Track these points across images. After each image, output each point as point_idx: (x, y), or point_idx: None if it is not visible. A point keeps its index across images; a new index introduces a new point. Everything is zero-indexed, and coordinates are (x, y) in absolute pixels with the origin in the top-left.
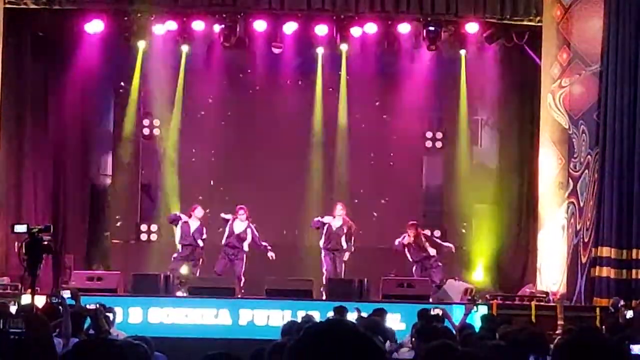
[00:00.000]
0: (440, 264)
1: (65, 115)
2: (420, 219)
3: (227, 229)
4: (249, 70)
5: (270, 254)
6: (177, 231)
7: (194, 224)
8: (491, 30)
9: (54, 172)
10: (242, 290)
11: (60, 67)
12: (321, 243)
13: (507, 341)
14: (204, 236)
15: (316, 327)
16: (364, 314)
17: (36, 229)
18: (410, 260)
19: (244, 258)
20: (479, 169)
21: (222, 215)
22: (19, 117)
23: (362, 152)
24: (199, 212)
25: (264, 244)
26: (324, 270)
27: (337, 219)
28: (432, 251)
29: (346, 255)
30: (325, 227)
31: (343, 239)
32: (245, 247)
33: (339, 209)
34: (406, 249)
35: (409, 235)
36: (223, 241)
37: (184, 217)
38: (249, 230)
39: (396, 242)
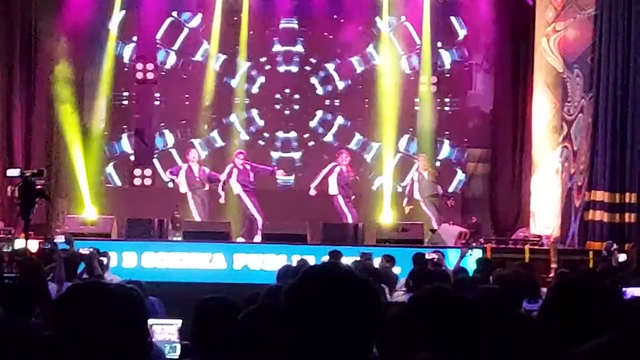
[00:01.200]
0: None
1: (57, 60)
2: (414, 163)
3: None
4: (242, 14)
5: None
6: (182, 179)
7: (195, 167)
8: None
9: (47, 117)
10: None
11: (50, 11)
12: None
13: (500, 285)
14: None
15: (312, 270)
16: (376, 260)
17: (29, 173)
18: (420, 197)
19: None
20: (473, 113)
21: (220, 176)
22: (9, 66)
23: (356, 96)
24: (193, 154)
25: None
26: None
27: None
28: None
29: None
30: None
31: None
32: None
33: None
34: (416, 184)
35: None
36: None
37: (184, 166)
38: (248, 168)
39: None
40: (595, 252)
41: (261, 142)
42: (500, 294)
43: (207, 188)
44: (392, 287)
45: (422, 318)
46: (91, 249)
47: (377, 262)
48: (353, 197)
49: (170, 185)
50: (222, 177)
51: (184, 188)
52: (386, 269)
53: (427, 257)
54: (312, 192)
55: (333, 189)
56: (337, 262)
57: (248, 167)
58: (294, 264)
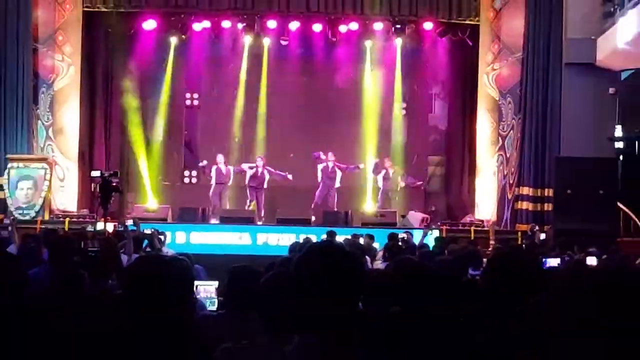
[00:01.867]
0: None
1: (127, 90)
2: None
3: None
4: (263, 58)
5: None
6: (214, 174)
7: (223, 167)
8: (442, 27)
9: (120, 132)
10: (263, 218)
11: (124, 54)
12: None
13: (452, 256)
14: (231, 175)
15: (314, 245)
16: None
17: (107, 174)
18: (382, 188)
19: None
20: (433, 129)
21: (244, 166)
22: (92, 92)
23: (349, 120)
24: (220, 157)
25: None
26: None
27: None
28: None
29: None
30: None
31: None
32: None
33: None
34: (382, 180)
35: (383, 167)
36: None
37: (213, 167)
38: (265, 172)
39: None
40: (522, 233)
41: (279, 149)
42: (452, 263)
43: (230, 183)
44: (373, 258)
45: (395, 281)
46: (152, 230)
47: (362, 240)
48: (337, 186)
49: (212, 181)
50: (245, 167)
51: (214, 182)
52: (369, 244)
53: (399, 236)
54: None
55: (319, 178)
56: (332, 240)
57: (266, 171)
58: (301, 240)
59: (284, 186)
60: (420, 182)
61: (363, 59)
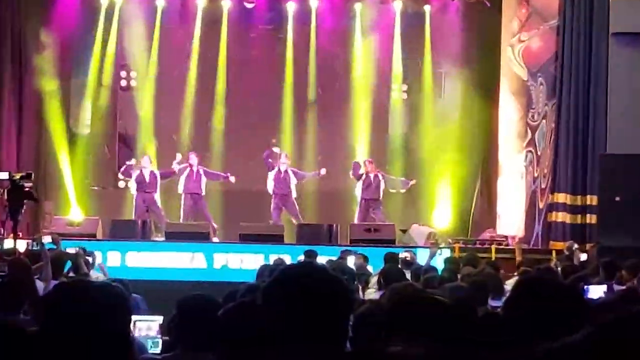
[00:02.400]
0: (382, 208)
1: (45, 66)
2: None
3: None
4: (222, 26)
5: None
6: (133, 181)
7: (147, 172)
8: None
9: (35, 122)
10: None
11: (38, 20)
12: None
13: (467, 283)
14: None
15: (289, 269)
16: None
17: (18, 176)
18: (359, 197)
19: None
20: (442, 119)
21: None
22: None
23: (330, 102)
24: (146, 160)
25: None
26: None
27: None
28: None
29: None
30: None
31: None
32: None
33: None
34: (361, 183)
35: (366, 167)
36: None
37: (140, 167)
38: (202, 173)
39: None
40: (557, 252)
41: (240, 147)
42: (467, 291)
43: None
44: (365, 284)
45: (392, 314)
46: (77, 249)
47: (352, 260)
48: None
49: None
50: (175, 167)
51: (134, 190)
52: (362, 266)
53: (400, 256)
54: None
55: (269, 187)
56: (311, 261)
57: (201, 171)
58: (272, 263)
59: (247, 192)
60: (413, 181)
61: (351, 28)
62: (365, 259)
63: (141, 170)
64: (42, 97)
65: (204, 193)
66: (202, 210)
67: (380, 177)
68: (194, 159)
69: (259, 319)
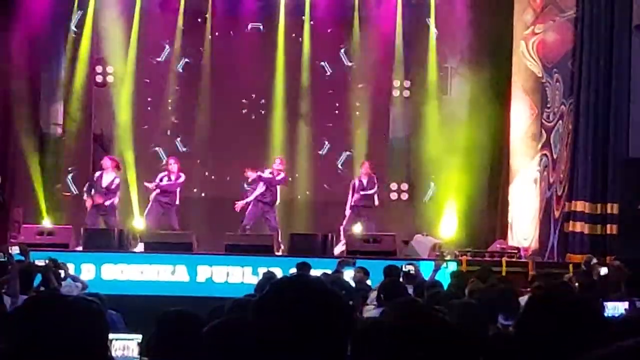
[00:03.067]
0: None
1: (11, 61)
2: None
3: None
4: (207, 15)
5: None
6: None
7: (109, 177)
8: None
9: (1, 121)
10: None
11: (4, 10)
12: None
13: (476, 299)
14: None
15: (282, 281)
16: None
17: None
18: (349, 203)
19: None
20: (448, 119)
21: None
22: None
23: (326, 101)
24: (107, 162)
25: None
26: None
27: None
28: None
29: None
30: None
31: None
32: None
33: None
34: (351, 189)
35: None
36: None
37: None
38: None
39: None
40: (575, 265)
41: (226, 149)
42: (475, 308)
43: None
44: (363, 301)
45: (392, 334)
46: (48, 260)
47: (349, 274)
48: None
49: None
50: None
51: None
52: (361, 280)
53: (403, 269)
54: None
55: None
56: (306, 275)
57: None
58: (261, 276)
59: (233, 199)
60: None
61: (349, 19)
62: (366, 272)
63: (103, 172)
64: (9, 93)
65: (177, 202)
66: (171, 218)
67: (375, 181)
68: (173, 165)
69: (248, 338)
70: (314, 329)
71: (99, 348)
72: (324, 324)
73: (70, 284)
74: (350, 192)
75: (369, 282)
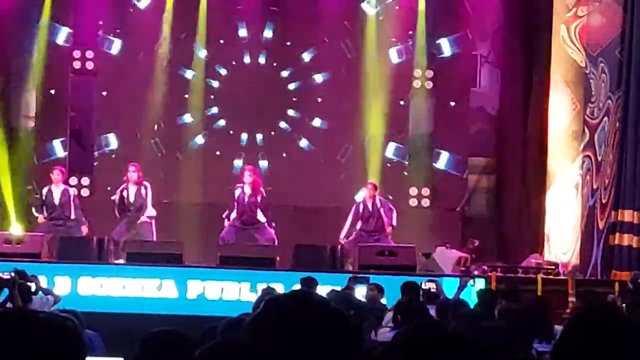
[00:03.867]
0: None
1: None
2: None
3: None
4: None
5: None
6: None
7: (56, 190)
8: None
9: None
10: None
11: None
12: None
13: (507, 321)
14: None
15: (280, 300)
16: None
17: None
18: (349, 224)
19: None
20: (477, 114)
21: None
22: None
23: (340, 94)
24: (56, 175)
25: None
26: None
27: (247, 187)
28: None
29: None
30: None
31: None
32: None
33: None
34: (354, 211)
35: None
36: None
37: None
38: (143, 191)
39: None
40: (621, 284)
41: (221, 147)
42: (507, 331)
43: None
44: (378, 323)
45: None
46: (13, 272)
47: (361, 291)
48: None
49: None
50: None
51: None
52: (374, 299)
53: (423, 286)
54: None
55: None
56: (308, 291)
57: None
58: (260, 292)
59: (227, 204)
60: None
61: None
62: (380, 290)
63: (51, 185)
64: None
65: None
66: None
67: (381, 205)
68: (132, 172)
69: None
70: (315, 354)
71: None
72: (326, 347)
73: (42, 298)
74: (350, 220)
75: (383, 300)
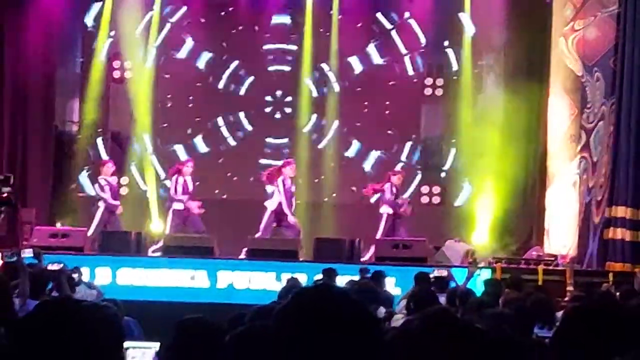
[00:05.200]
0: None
1: (26, 57)
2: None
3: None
4: (231, 8)
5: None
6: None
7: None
8: None
9: (13, 119)
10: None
11: (18, 3)
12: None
13: (511, 308)
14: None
15: (304, 291)
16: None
17: None
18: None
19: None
20: (483, 119)
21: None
22: None
23: (355, 100)
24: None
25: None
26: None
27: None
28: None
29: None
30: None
31: None
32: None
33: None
34: (381, 196)
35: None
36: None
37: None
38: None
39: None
40: (615, 274)
41: (249, 149)
42: (510, 318)
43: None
44: (384, 304)
45: (421, 344)
46: (60, 264)
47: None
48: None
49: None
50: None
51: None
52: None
53: (436, 274)
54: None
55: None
56: (331, 284)
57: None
58: (284, 282)
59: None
60: (403, 201)
61: (377, 11)
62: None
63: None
64: (23, 90)
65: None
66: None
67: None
68: (187, 167)
69: (270, 347)
70: (337, 342)
71: (114, 356)
72: (348, 336)
73: (84, 290)
74: (388, 200)
75: (397, 290)
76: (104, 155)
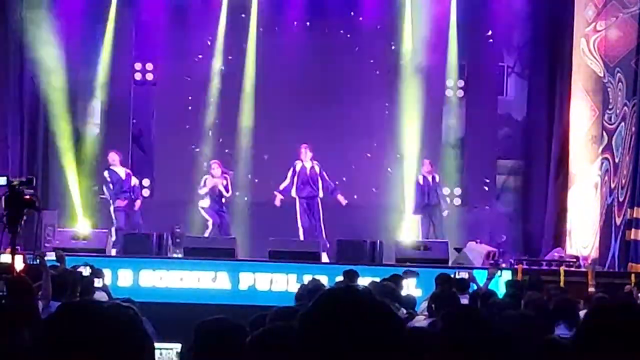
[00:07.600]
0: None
1: (48, 59)
2: (438, 175)
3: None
4: (252, 10)
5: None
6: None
7: (121, 171)
8: None
9: (35, 121)
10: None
11: (40, 8)
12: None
13: (532, 309)
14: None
15: (330, 292)
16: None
17: (17, 181)
18: (414, 207)
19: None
20: (504, 121)
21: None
22: None
23: (375, 101)
24: (114, 157)
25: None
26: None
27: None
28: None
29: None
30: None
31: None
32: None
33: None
34: (415, 189)
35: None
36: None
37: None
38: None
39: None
40: (637, 275)
41: (270, 151)
42: (532, 319)
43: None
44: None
45: (444, 345)
46: (86, 266)
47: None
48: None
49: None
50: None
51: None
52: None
53: (457, 276)
54: (277, 201)
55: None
56: (355, 285)
57: (226, 179)
58: (306, 283)
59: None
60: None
61: (398, 12)
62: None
63: (111, 169)
64: (45, 92)
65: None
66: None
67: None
68: (216, 169)
69: (294, 348)
70: (363, 342)
71: (136, 357)
72: (374, 337)
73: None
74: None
75: (418, 291)
76: (126, 157)
